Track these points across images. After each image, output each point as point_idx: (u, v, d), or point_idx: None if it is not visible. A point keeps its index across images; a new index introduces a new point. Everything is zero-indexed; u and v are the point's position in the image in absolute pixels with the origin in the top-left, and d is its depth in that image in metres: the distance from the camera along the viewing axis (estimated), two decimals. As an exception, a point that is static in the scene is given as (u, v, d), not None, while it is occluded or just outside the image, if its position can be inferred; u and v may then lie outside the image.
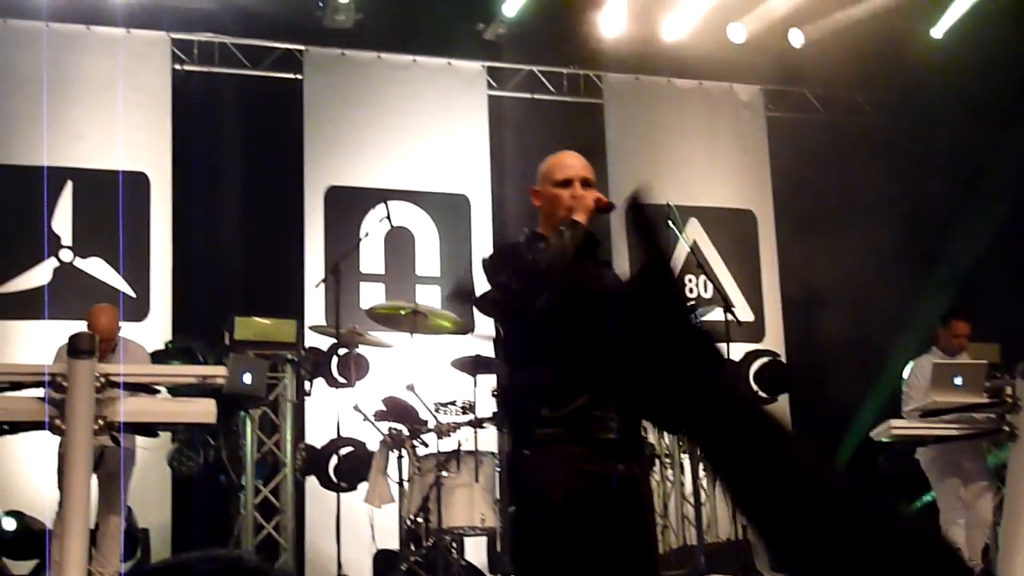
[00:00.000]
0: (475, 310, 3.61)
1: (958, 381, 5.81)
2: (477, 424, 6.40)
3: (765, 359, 8.31)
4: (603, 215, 3.61)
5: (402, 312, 6.89)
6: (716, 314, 7.83)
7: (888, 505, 0.84)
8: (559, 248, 3.39)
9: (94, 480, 5.72)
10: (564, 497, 3.30)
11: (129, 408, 4.30)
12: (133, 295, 8.02)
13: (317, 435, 7.77)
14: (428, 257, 8.93)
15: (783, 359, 8.73)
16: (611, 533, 3.31)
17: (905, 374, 7.11)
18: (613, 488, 3.33)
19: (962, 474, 6.88)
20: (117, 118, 8.33)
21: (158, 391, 4.63)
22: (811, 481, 0.86)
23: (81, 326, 6.53)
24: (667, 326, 0.90)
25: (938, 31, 9.59)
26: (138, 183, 8.31)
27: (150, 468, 7.14)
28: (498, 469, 6.37)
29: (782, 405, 8.91)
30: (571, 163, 3.65)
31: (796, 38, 9.55)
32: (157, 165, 8.39)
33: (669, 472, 8.27)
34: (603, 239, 3.86)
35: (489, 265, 3.50)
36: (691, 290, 9.30)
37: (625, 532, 3.36)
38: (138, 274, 8.18)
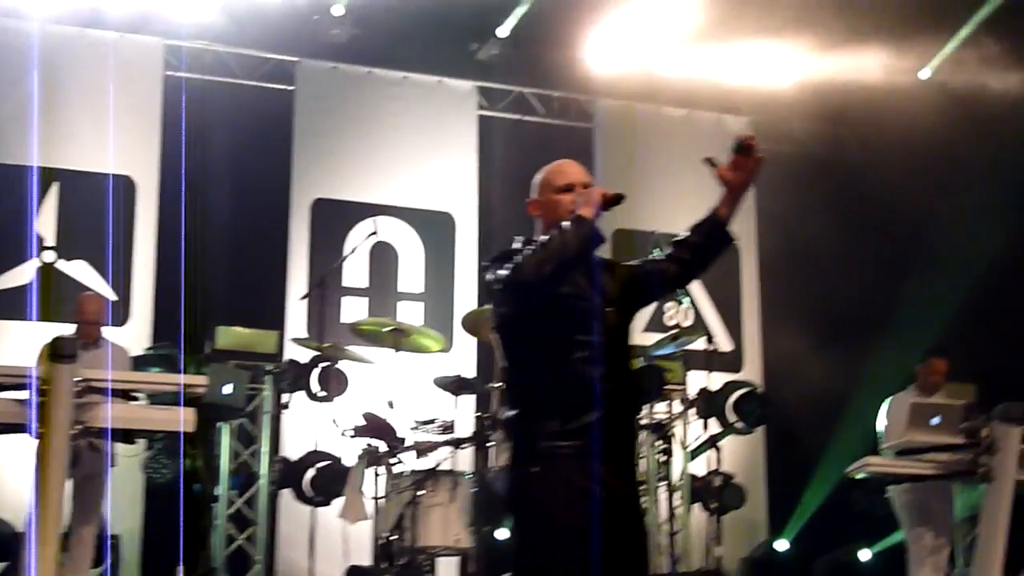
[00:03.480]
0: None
1: (935, 421, 5.83)
2: (456, 444, 6.39)
3: (743, 390, 8.33)
4: (611, 208, 3.34)
5: (384, 329, 6.89)
6: (697, 343, 7.86)
7: None
8: (560, 242, 3.22)
9: (68, 484, 5.69)
10: (573, 515, 3.19)
11: (108, 414, 4.28)
12: (115, 299, 7.98)
13: (294, 448, 7.75)
14: (412, 273, 8.92)
15: (761, 390, 8.74)
16: (617, 550, 3.22)
17: (883, 411, 7.14)
18: (616, 506, 3.25)
19: (931, 518, 6.92)
20: (107, 121, 8.30)
21: (137, 397, 4.61)
22: None
23: (61, 328, 6.52)
24: None
25: (925, 72, 9.72)
26: (125, 187, 8.29)
27: (123, 474, 7.09)
28: (473, 489, 6.35)
29: (758, 437, 8.95)
30: (571, 170, 3.53)
31: (784, 76, 9.68)
32: (144, 170, 8.38)
33: (643, 500, 8.26)
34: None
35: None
36: (671, 317, 9.31)
37: (629, 548, 3.30)
38: (121, 278, 8.14)
